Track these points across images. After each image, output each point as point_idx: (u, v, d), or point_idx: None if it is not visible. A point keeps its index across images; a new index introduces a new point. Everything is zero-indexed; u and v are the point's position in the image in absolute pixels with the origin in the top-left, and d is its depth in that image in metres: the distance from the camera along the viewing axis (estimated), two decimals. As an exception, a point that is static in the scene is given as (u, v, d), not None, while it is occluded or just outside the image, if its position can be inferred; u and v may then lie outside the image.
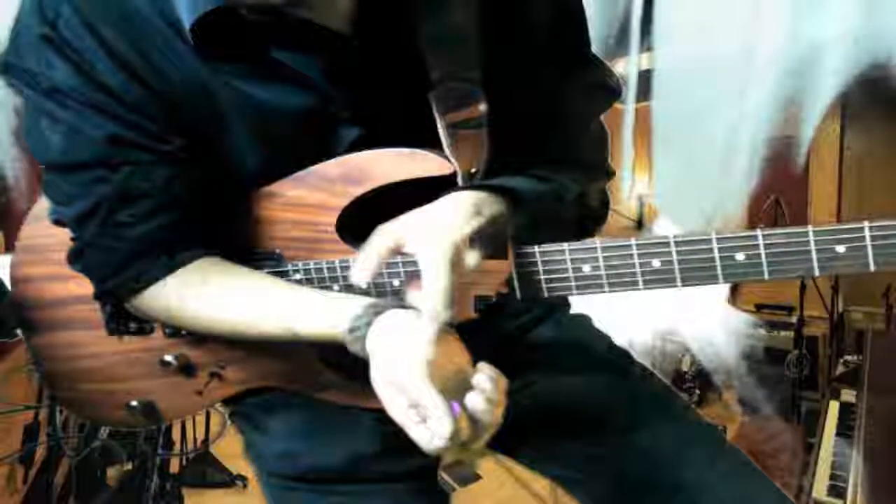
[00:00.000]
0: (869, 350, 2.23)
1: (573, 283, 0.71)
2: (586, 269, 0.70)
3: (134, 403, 0.95)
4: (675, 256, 0.67)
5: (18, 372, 2.77)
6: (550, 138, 0.89)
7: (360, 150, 0.78)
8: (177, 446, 2.81)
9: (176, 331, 0.90)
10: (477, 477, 2.89)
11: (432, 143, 0.77)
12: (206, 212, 0.81)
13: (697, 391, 3.66)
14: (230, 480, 2.84)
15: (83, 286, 0.91)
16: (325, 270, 0.81)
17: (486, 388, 0.65)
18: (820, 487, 1.54)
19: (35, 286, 0.97)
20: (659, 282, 0.68)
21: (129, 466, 2.70)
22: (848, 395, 2.02)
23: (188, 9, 0.69)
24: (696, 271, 0.66)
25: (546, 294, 0.73)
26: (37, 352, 1.00)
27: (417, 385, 0.62)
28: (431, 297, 0.65)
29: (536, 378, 0.95)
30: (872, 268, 0.60)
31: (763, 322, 3.70)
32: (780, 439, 2.84)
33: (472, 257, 0.70)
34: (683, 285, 0.67)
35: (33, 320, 0.98)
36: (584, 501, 0.93)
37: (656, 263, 0.67)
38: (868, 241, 0.60)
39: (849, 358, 2.47)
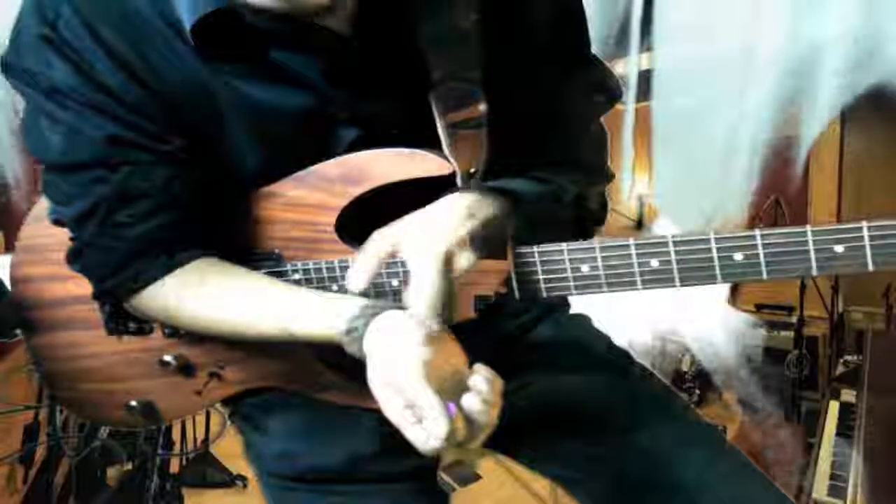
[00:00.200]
0: (869, 350, 2.23)
1: (572, 284, 0.71)
2: (585, 269, 0.70)
3: (133, 403, 0.95)
4: (673, 256, 0.67)
5: (18, 372, 2.78)
6: (550, 139, 0.89)
7: (359, 150, 0.78)
8: (177, 446, 2.81)
9: (175, 331, 0.90)
10: (477, 477, 2.89)
11: (431, 144, 0.77)
12: (206, 212, 0.81)
13: (697, 391, 3.66)
14: (230, 480, 2.83)
15: (82, 286, 0.91)
16: (325, 270, 0.81)
17: (483, 389, 0.65)
18: (820, 487, 1.54)
19: (35, 286, 0.98)
20: (657, 282, 0.68)
21: (129, 466, 2.70)
22: (848, 395, 2.01)
23: (188, 9, 0.69)
24: (694, 271, 0.66)
25: (545, 294, 0.73)
26: (36, 352, 1.00)
27: (414, 385, 0.62)
28: (420, 302, 0.66)
29: (536, 378, 0.95)
30: (871, 267, 0.60)
31: (763, 322, 3.70)
32: (780, 439, 2.84)
33: (465, 259, 0.70)
34: (682, 285, 0.67)
35: (33, 320, 0.98)
36: (584, 501, 0.93)
37: (655, 263, 0.67)
38: (866, 241, 0.60)
39: (849, 358, 2.47)
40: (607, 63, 0.95)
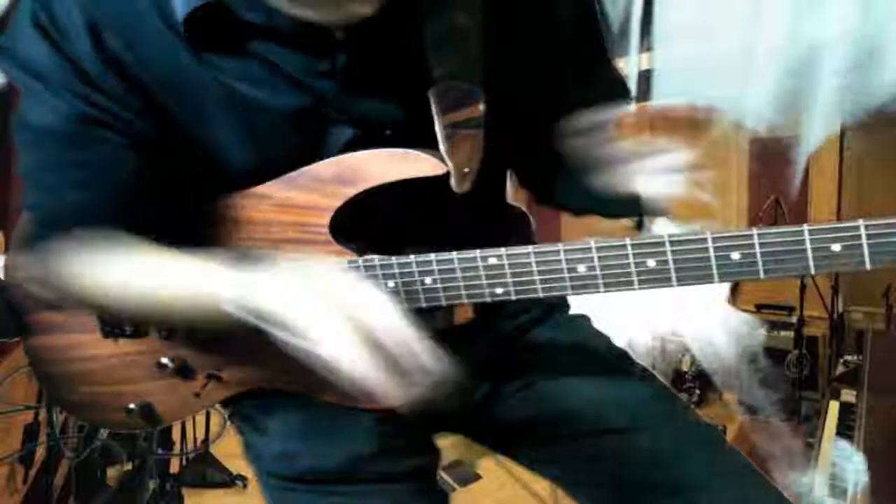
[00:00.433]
0: (869, 350, 2.23)
1: (568, 283, 0.71)
2: (581, 269, 0.70)
3: (132, 406, 0.95)
4: (670, 256, 0.66)
5: (18, 372, 2.77)
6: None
7: (353, 150, 0.78)
8: (177, 446, 2.82)
9: (171, 333, 0.90)
10: (477, 477, 2.89)
11: (427, 144, 0.76)
12: (161, 202, 0.81)
13: (697, 391, 3.66)
14: (230, 480, 2.83)
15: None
16: (323, 271, 0.80)
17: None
18: (820, 487, 1.53)
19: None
20: (654, 281, 0.68)
21: (128, 466, 2.70)
22: (848, 395, 2.01)
23: (182, 3, 0.70)
24: (691, 271, 0.66)
25: (541, 294, 0.73)
26: (34, 354, 1.00)
27: (394, 330, 0.62)
28: None
29: (535, 379, 0.95)
30: (869, 266, 0.60)
31: (763, 322, 3.69)
32: (780, 439, 2.84)
33: None
34: (679, 285, 0.67)
35: (30, 323, 0.98)
36: (584, 502, 0.93)
37: (651, 263, 0.67)
38: (864, 240, 0.60)
39: (849, 358, 2.46)
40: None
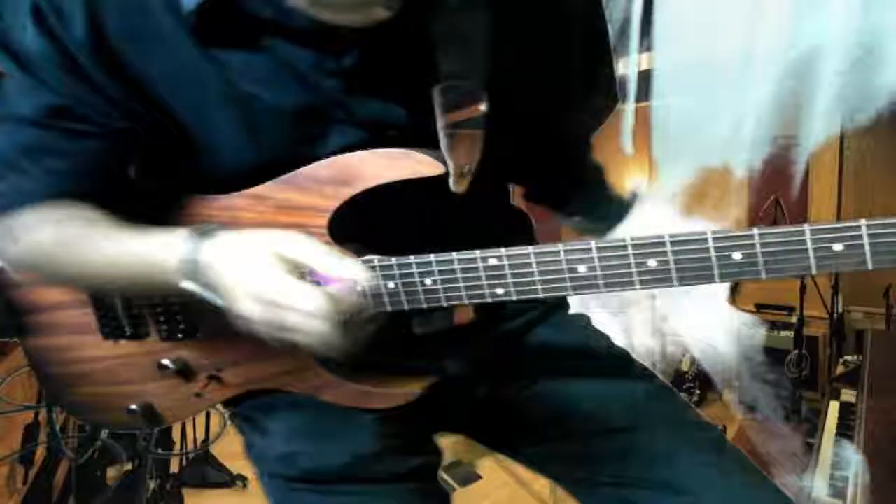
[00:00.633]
0: (869, 350, 2.23)
1: (569, 284, 0.71)
2: (582, 269, 0.70)
3: (133, 407, 0.95)
4: (671, 256, 0.66)
5: (18, 372, 2.77)
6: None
7: (355, 150, 0.78)
8: (177, 446, 2.82)
9: (172, 334, 0.90)
10: (477, 477, 2.89)
11: (430, 145, 0.76)
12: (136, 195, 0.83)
13: (697, 391, 3.66)
14: (230, 480, 2.84)
15: (74, 290, 0.91)
16: (322, 272, 0.80)
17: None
18: (820, 487, 1.54)
19: (29, 290, 0.97)
20: (655, 281, 0.68)
21: (128, 466, 2.70)
22: (848, 395, 2.01)
23: None
24: (692, 271, 0.66)
25: (542, 294, 0.73)
26: (34, 356, 1.00)
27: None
28: None
29: (536, 378, 0.96)
30: (871, 266, 0.60)
31: (763, 322, 3.69)
32: (780, 439, 2.84)
33: None
34: (680, 285, 0.67)
35: (29, 324, 0.98)
36: (584, 501, 0.93)
37: (652, 263, 0.67)
38: (865, 240, 0.60)
39: (849, 358, 2.47)
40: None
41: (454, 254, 0.74)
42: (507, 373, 0.97)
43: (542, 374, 0.95)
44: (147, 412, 0.95)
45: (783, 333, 3.66)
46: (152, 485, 2.51)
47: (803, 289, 3.34)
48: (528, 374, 0.96)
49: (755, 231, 0.63)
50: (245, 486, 2.81)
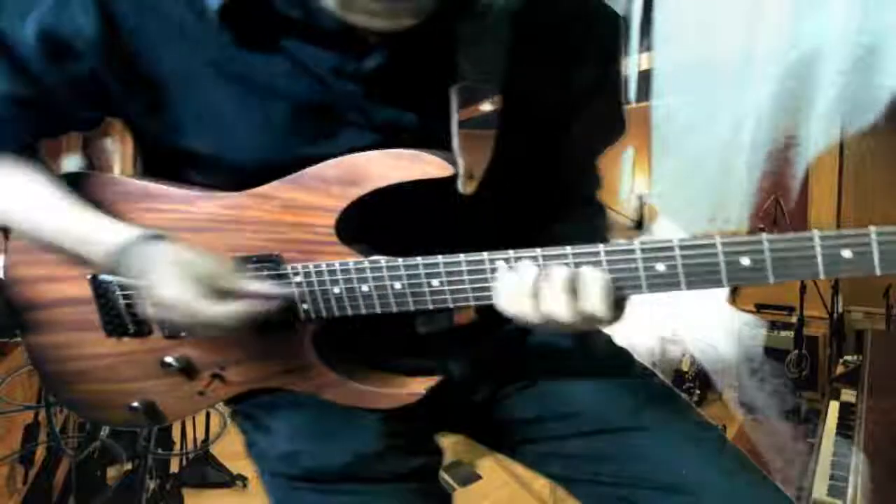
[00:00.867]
0: (869, 350, 2.23)
1: None
2: None
3: (136, 404, 0.95)
4: (679, 261, 0.67)
5: (18, 372, 2.77)
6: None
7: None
8: (177, 446, 2.82)
9: (175, 332, 0.90)
10: (477, 477, 2.89)
11: (442, 148, 0.76)
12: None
13: (697, 391, 3.66)
14: (230, 480, 2.83)
15: (78, 288, 0.91)
16: (325, 273, 0.80)
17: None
18: (820, 487, 1.53)
19: (30, 287, 0.97)
20: (663, 285, 0.68)
21: (128, 466, 2.70)
22: (848, 395, 2.01)
23: None
24: (700, 275, 0.66)
25: None
26: (35, 353, 1.00)
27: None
28: None
29: (537, 378, 0.96)
30: (879, 272, 0.60)
31: (763, 322, 3.70)
32: (780, 439, 2.84)
33: None
34: (688, 289, 0.67)
35: (31, 322, 0.98)
36: (584, 501, 0.93)
37: (661, 267, 0.67)
38: (875, 247, 0.60)
39: (849, 358, 2.47)
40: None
41: (461, 255, 0.74)
42: (507, 373, 0.97)
43: (543, 374, 0.95)
44: (149, 410, 0.95)
45: (783, 333, 3.66)
46: (152, 485, 2.51)
47: (803, 289, 3.34)
48: (529, 374, 0.96)
49: (764, 237, 0.64)
50: (245, 486, 2.80)
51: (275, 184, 0.81)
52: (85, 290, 0.92)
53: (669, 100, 3.82)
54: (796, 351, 3.42)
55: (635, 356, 1.01)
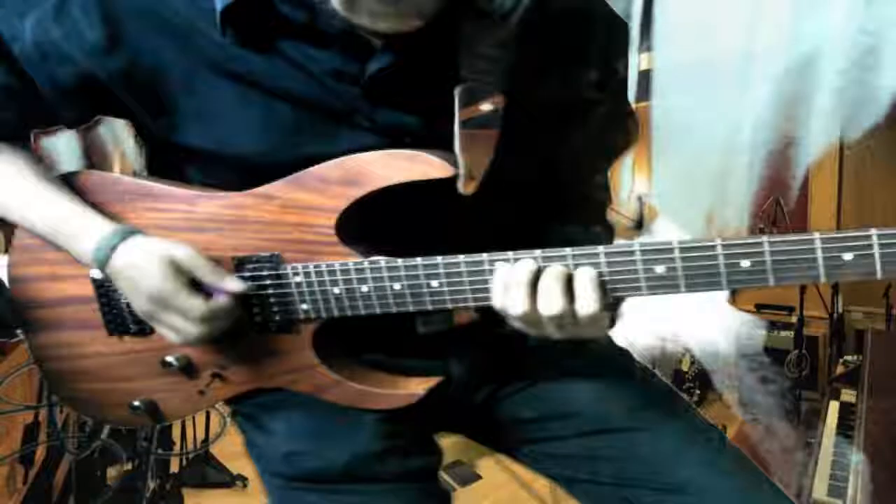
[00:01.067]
0: (869, 350, 2.23)
1: None
2: None
3: (136, 403, 0.95)
4: (679, 263, 0.66)
5: (18, 372, 2.77)
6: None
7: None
8: (177, 446, 2.81)
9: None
10: (477, 477, 2.89)
11: (443, 150, 0.76)
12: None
13: (697, 391, 3.66)
14: (230, 480, 2.83)
15: (80, 286, 0.91)
16: (325, 273, 0.80)
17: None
18: (820, 487, 1.54)
19: (33, 286, 0.97)
20: (663, 287, 0.68)
21: (128, 466, 2.69)
22: (848, 395, 2.01)
23: None
24: (700, 277, 0.66)
25: None
26: (37, 352, 1.00)
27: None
28: None
29: (537, 379, 0.96)
30: (880, 275, 0.60)
31: (763, 322, 3.69)
32: (780, 439, 2.84)
33: None
34: (688, 291, 0.67)
35: (33, 320, 0.98)
36: (584, 501, 0.93)
37: (660, 270, 0.67)
38: (876, 249, 0.60)
39: (849, 358, 2.47)
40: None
41: (461, 256, 0.74)
42: (507, 373, 0.97)
43: (543, 375, 0.95)
44: (150, 409, 0.95)
45: (783, 333, 3.66)
46: (152, 485, 2.51)
47: (803, 289, 3.33)
48: (529, 375, 0.96)
49: (765, 239, 0.63)
50: (245, 486, 2.80)
51: (276, 184, 0.81)
52: (87, 289, 0.92)
53: (669, 100, 3.82)
54: (796, 351, 3.42)
55: (635, 356, 1.01)
